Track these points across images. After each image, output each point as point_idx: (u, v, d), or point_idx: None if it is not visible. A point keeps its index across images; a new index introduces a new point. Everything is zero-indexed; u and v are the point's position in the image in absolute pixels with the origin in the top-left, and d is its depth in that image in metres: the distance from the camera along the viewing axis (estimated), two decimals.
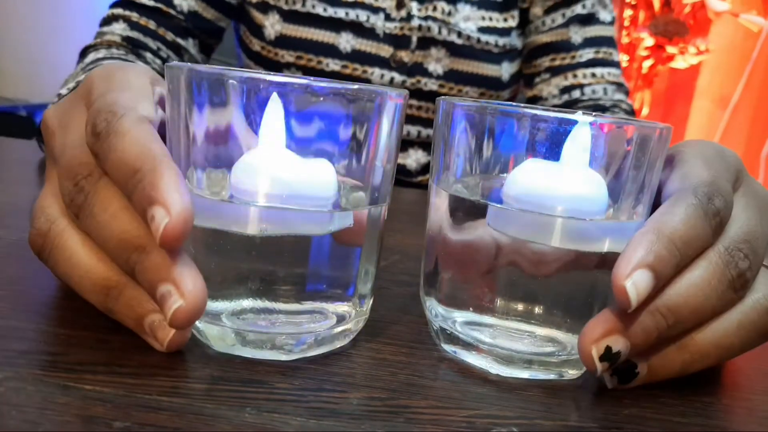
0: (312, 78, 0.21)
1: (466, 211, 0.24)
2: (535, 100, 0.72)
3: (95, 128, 0.21)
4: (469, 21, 0.68)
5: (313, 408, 0.19)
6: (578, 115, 0.22)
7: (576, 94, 0.70)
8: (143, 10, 0.61)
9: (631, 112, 0.71)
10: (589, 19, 0.70)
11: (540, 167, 0.23)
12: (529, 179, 0.22)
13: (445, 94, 0.68)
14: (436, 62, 0.67)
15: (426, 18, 0.66)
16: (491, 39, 0.68)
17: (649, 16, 2.10)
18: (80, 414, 0.17)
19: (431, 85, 0.68)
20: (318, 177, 0.21)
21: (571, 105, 0.70)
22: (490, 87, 0.70)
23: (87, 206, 0.21)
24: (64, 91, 0.49)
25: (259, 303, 0.22)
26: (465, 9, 0.68)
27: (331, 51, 0.66)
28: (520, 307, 0.23)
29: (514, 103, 0.24)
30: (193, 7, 0.64)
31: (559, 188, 0.22)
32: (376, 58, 0.66)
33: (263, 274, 0.22)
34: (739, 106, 2.16)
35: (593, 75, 0.70)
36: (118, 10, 0.61)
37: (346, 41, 0.65)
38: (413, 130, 0.69)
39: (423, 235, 0.26)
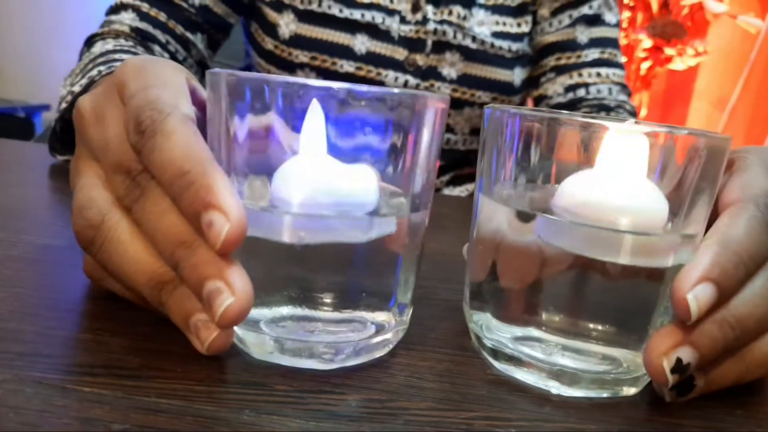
0: (353, 84, 0.20)
1: (520, 223, 0.23)
2: (540, 100, 0.73)
3: (139, 126, 0.21)
4: (483, 26, 0.68)
5: (312, 410, 0.19)
6: (635, 126, 0.22)
7: (581, 92, 0.70)
8: (153, 0, 0.60)
9: (634, 114, 0.71)
10: (595, 20, 0.71)
11: (597, 179, 0.22)
12: (587, 191, 0.22)
13: (458, 99, 0.68)
14: (450, 66, 0.67)
15: (441, 22, 0.66)
16: (504, 44, 0.68)
17: (647, 18, 2.10)
18: (79, 416, 0.17)
19: (444, 89, 0.68)
20: (359, 183, 0.21)
21: (576, 104, 0.70)
22: (503, 92, 0.70)
23: (142, 200, 0.21)
24: (76, 88, 0.47)
25: (299, 311, 0.22)
26: (479, 14, 0.68)
27: (346, 52, 0.65)
28: (575, 322, 0.23)
29: (568, 112, 0.23)
30: (204, 1, 0.63)
31: (621, 202, 0.22)
32: (390, 60, 0.66)
33: (303, 282, 0.22)
34: (737, 108, 2.16)
35: (598, 74, 0.70)
36: None
37: (361, 43, 0.65)
38: None
39: (440, 239, 0.26)
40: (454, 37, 0.66)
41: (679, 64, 2.13)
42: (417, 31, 0.66)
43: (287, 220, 0.21)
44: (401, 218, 0.22)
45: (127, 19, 0.59)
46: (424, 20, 0.66)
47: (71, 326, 0.23)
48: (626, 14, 2.09)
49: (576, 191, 0.22)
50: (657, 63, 2.14)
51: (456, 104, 0.69)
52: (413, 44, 0.66)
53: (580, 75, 0.70)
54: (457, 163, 0.73)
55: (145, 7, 0.60)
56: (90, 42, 0.58)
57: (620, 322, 0.23)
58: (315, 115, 0.20)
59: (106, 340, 0.22)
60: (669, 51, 2.10)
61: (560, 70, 0.71)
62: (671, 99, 2.26)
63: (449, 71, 0.67)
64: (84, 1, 1.85)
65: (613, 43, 0.72)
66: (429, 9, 0.66)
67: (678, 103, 2.26)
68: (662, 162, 0.22)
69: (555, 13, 0.71)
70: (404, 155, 0.22)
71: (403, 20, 0.66)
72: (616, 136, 0.22)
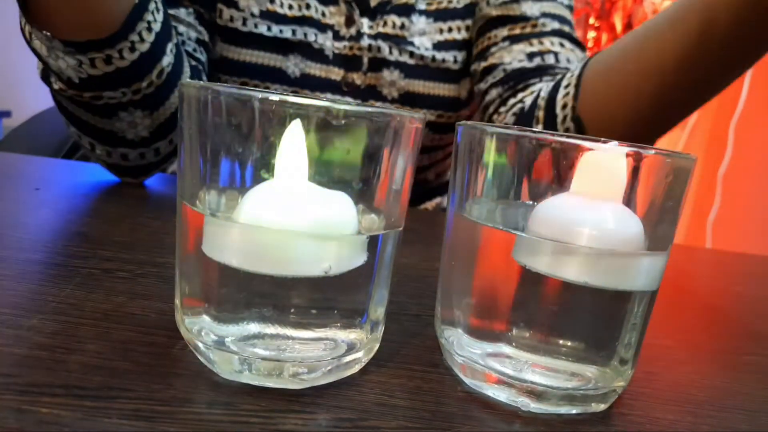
0: (330, 100, 0.20)
1: (492, 240, 0.23)
2: (489, 70, 0.65)
3: None
4: (424, 36, 0.63)
5: (281, 430, 0.19)
6: (613, 146, 0.22)
7: (550, 59, 0.62)
8: None
9: None
10: None
11: (572, 200, 0.22)
12: (560, 212, 0.22)
13: None
14: (390, 86, 0.63)
15: (377, 36, 0.62)
16: (449, 56, 0.64)
17: (612, 38, 2.16)
18: None
19: None
20: (335, 212, 0.21)
21: (546, 70, 0.62)
22: (448, 108, 0.66)
23: None
24: None
25: (268, 329, 0.21)
26: (420, 21, 0.63)
27: (279, 76, 0.61)
28: (545, 339, 0.23)
29: (546, 131, 0.23)
30: None
31: (592, 223, 0.22)
32: (326, 82, 0.62)
33: (272, 300, 0.21)
34: (697, 127, 2.23)
35: (561, 45, 0.63)
36: None
37: (294, 65, 0.61)
38: None
39: (410, 253, 0.26)
40: (390, 53, 0.62)
41: None
42: (351, 48, 0.62)
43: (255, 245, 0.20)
44: (375, 237, 0.22)
45: None
46: (359, 35, 0.62)
47: (27, 343, 0.22)
48: (592, 34, 2.15)
49: (549, 212, 0.22)
50: None
51: None
52: (349, 62, 0.62)
53: (542, 43, 0.62)
54: None
55: None
56: None
57: (589, 339, 0.23)
58: (294, 136, 0.20)
59: (63, 358, 0.21)
60: None
61: (515, 39, 0.63)
62: None
63: (390, 90, 0.64)
64: None
65: (569, 23, 0.65)
66: (364, 22, 0.62)
67: None
68: (629, 182, 0.22)
69: None
70: (379, 174, 0.22)
71: (336, 36, 0.61)
72: (593, 157, 0.22)
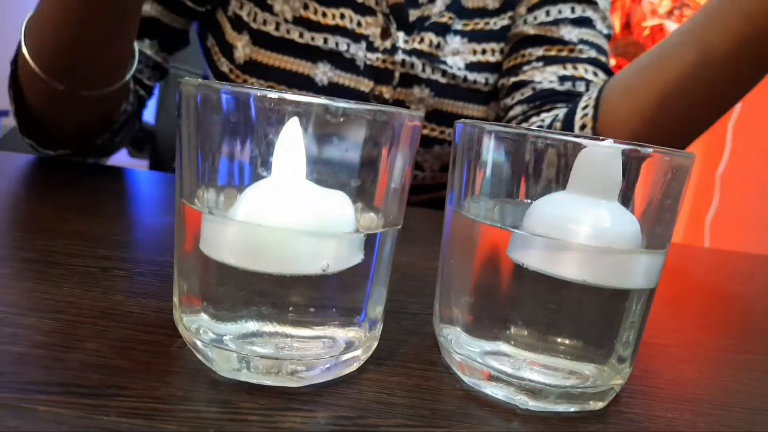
0: (327, 97, 0.20)
1: (490, 238, 0.23)
2: (520, 86, 0.64)
3: None
4: (457, 56, 0.63)
5: (280, 428, 0.19)
6: (610, 144, 0.22)
7: (581, 87, 0.62)
8: None
9: None
10: (583, 23, 0.65)
11: (568, 199, 0.22)
12: (558, 210, 0.22)
13: (426, 136, 0.65)
14: (419, 102, 0.63)
15: (411, 52, 0.62)
16: (480, 77, 0.64)
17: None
18: None
19: None
20: (333, 212, 0.21)
21: (575, 97, 0.62)
22: None
23: None
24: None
25: (267, 327, 0.21)
26: (455, 41, 0.63)
27: (306, 83, 0.60)
28: (543, 337, 0.23)
29: (544, 130, 0.23)
30: (148, 13, 0.59)
31: (588, 221, 0.22)
32: (354, 92, 0.61)
33: (270, 298, 0.21)
34: None
35: (595, 74, 0.63)
36: None
37: (323, 73, 0.60)
38: None
39: (409, 252, 0.26)
40: (423, 70, 0.62)
41: None
42: (384, 61, 0.61)
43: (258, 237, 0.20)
44: (373, 236, 0.22)
45: None
46: (393, 49, 0.61)
47: (25, 341, 0.22)
48: None
49: (546, 211, 0.22)
50: None
51: (425, 142, 0.65)
52: (380, 75, 0.62)
53: (575, 68, 0.62)
54: (425, 194, 0.71)
55: None
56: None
57: (587, 338, 0.23)
58: (292, 134, 0.20)
59: (61, 356, 0.21)
60: None
61: (550, 60, 0.63)
62: None
63: (417, 107, 0.63)
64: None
65: (606, 54, 0.65)
66: (400, 36, 0.62)
67: None
68: (627, 180, 0.22)
69: (531, 9, 0.66)
70: (378, 172, 0.22)
71: (370, 47, 0.61)
72: (589, 155, 0.22)
